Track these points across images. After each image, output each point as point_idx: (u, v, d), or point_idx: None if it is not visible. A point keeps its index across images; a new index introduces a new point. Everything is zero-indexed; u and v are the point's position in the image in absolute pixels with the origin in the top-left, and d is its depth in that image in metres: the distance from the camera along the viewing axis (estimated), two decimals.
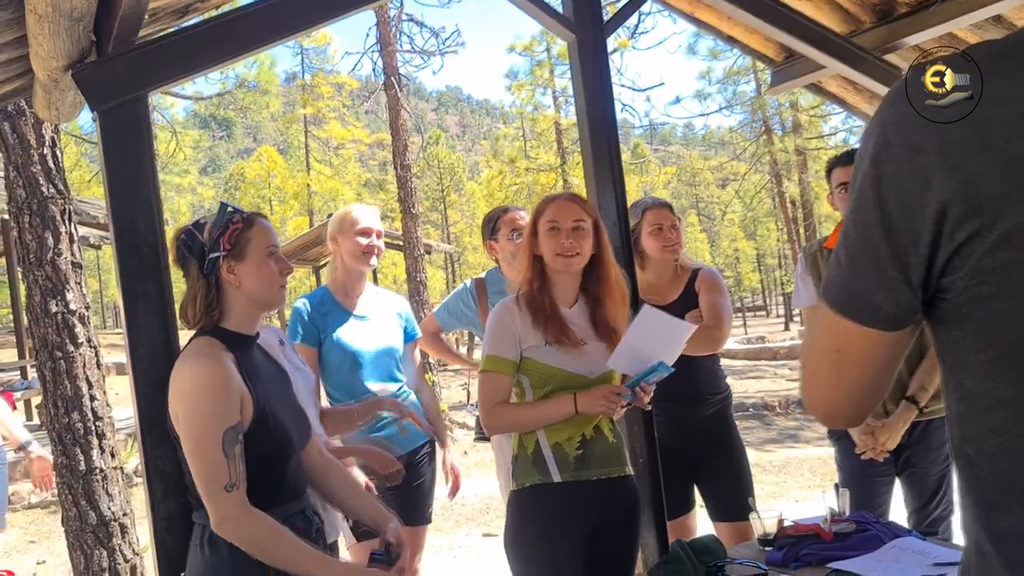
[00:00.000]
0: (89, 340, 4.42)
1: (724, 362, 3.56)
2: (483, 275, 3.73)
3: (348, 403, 3.09)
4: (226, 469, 1.87)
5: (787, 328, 35.33)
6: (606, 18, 3.29)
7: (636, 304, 2.82)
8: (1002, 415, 0.91)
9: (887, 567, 2.13)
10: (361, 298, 3.30)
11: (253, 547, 1.91)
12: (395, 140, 15.49)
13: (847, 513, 2.53)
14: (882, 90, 3.99)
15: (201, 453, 1.89)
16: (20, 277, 4.84)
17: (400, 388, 3.29)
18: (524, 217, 3.52)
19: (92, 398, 4.37)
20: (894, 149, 0.92)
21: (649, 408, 2.68)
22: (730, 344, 18.16)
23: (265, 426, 1.97)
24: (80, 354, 4.36)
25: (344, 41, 75.16)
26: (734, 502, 3.17)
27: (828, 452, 5.74)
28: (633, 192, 29.47)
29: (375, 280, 19.10)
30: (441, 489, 3.45)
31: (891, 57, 3.97)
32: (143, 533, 3.04)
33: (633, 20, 17.95)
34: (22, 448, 4.09)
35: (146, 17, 2.53)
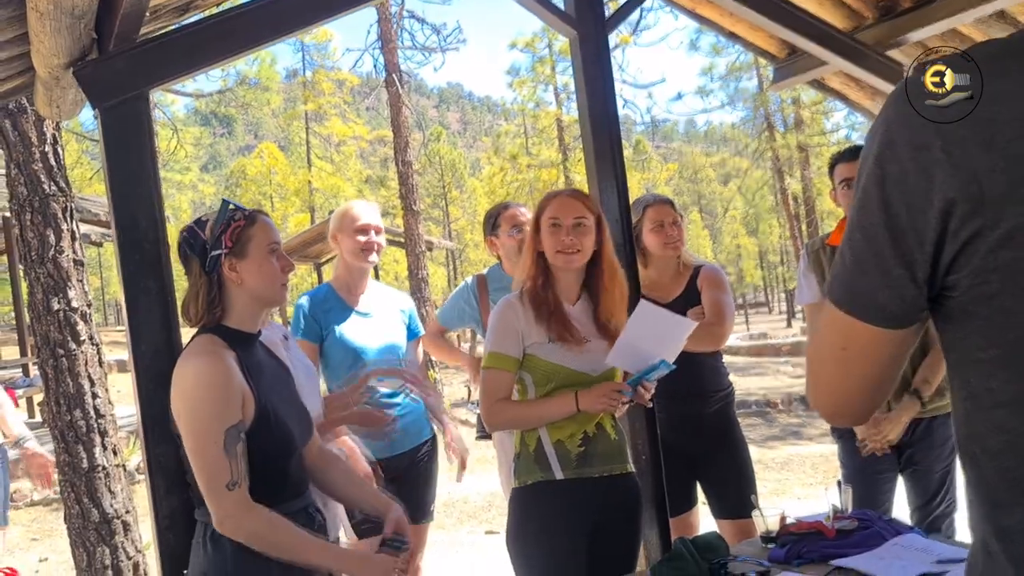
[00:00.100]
0: (91, 338, 4.42)
1: (726, 359, 3.56)
2: (485, 272, 3.73)
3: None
4: (227, 468, 1.87)
5: (789, 325, 35.30)
6: (608, 14, 3.29)
7: (637, 301, 2.82)
8: (1008, 413, 0.91)
9: (890, 564, 2.13)
10: (364, 295, 3.30)
11: (255, 540, 1.91)
12: (396, 137, 15.52)
13: (850, 510, 2.53)
14: (884, 86, 3.98)
15: (202, 452, 1.89)
16: (22, 274, 4.83)
17: (402, 385, 3.29)
18: (525, 213, 3.52)
19: (94, 396, 4.37)
20: (898, 148, 0.93)
21: (651, 405, 2.68)
22: (732, 341, 18.16)
23: (267, 424, 1.97)
24: (82, 352, 4.36)
25: (345, 38, 75.50)
26: (737, 499, 3.17)
27: (831, 449, 5.74)
28: (635, 189, 29.50)
29: (376, 277, 19.09)
30: (442, 487, 3.45)
31: (894, 53, 3.96)
32: (146, 530, 3.05)
33: (635, 16, 17.92)
34: (17, 444, 4.05)
35: (147, 15, 2.53)
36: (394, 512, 2.19)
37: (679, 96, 36.65)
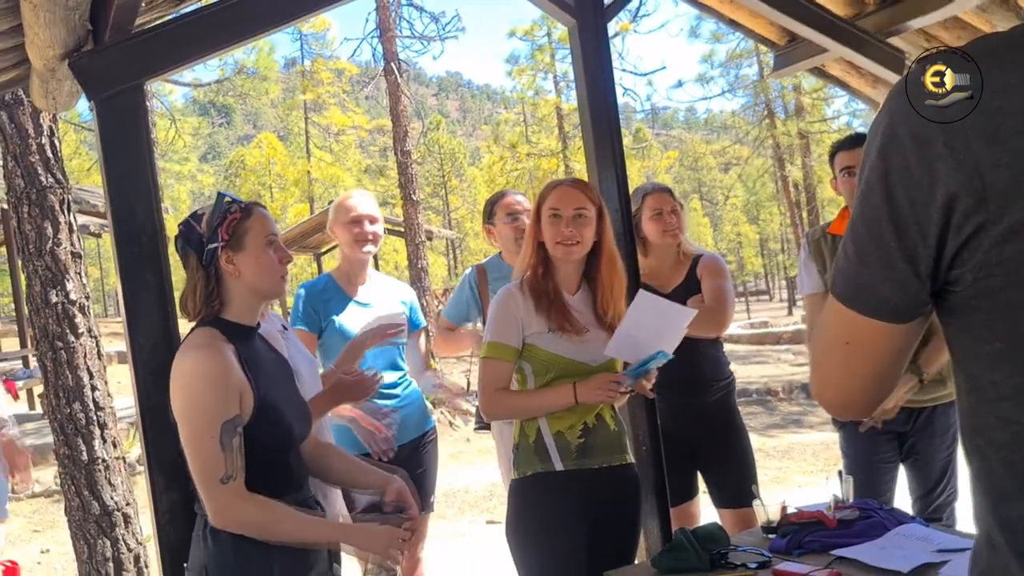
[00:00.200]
0: (90, 330, 4.41)
1: (727, 347, 3.55)
2: (484, 262, 3.72)
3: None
4: (222, 462, 1.86)
5: (790, 313, 35.36)
6: (607, 2, 3.26)
7: (637, 291, 2.81)
8: (1013, 405, 0.91)
9: (891, 554, 2.12)
10: (364, 285, 3.29)
11: (252, 529, 1.90)
12: (395, 126, 15.48)
13: (851, 500, 2.52)
14: (885, 73, 3.96)
15: (197, 445, 1.88)
16: (20, 267, 4.82)
17: (402, 376, 3.29)
18: (520, 201, 3.51)
19: (93, 388, 4.37)
20: (901, 141, 0.92)
21: (653, 396, 2.67)
22: (733, 329, 18.16)
23: (266, 417, 1.96)
24: (81, 344, 4.36)
25: (343, 27, 74.97)
26: (737, 489, 3.17)
27: (832, 437, 5.74)
28: (635, 177, 29.45)
29: (376, 267, 19.09)
30: (443, 477, 3.44)
31: (895, 40, 3.94)
32: (146, 522, 3.04)
33: (634, 3, 17.88)
34: None
35: (143, 5, 2.51)
36: (395, 482, 2.18)
37: (679, 84, 36.73)
